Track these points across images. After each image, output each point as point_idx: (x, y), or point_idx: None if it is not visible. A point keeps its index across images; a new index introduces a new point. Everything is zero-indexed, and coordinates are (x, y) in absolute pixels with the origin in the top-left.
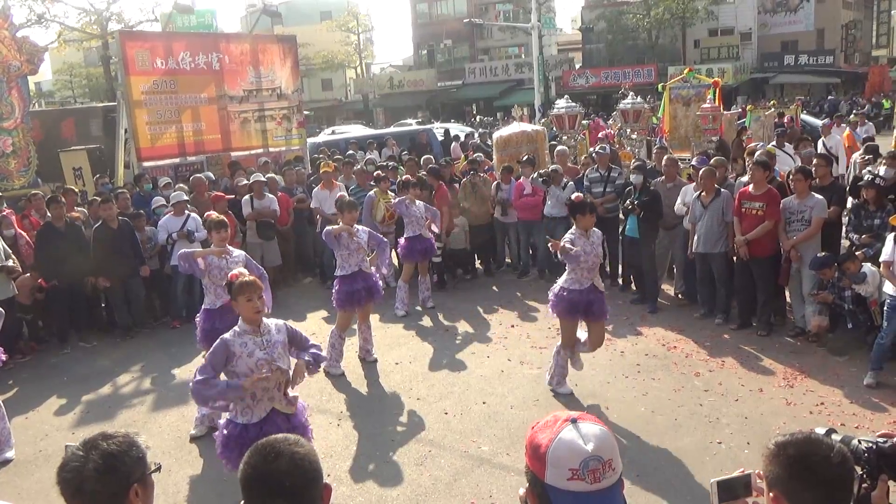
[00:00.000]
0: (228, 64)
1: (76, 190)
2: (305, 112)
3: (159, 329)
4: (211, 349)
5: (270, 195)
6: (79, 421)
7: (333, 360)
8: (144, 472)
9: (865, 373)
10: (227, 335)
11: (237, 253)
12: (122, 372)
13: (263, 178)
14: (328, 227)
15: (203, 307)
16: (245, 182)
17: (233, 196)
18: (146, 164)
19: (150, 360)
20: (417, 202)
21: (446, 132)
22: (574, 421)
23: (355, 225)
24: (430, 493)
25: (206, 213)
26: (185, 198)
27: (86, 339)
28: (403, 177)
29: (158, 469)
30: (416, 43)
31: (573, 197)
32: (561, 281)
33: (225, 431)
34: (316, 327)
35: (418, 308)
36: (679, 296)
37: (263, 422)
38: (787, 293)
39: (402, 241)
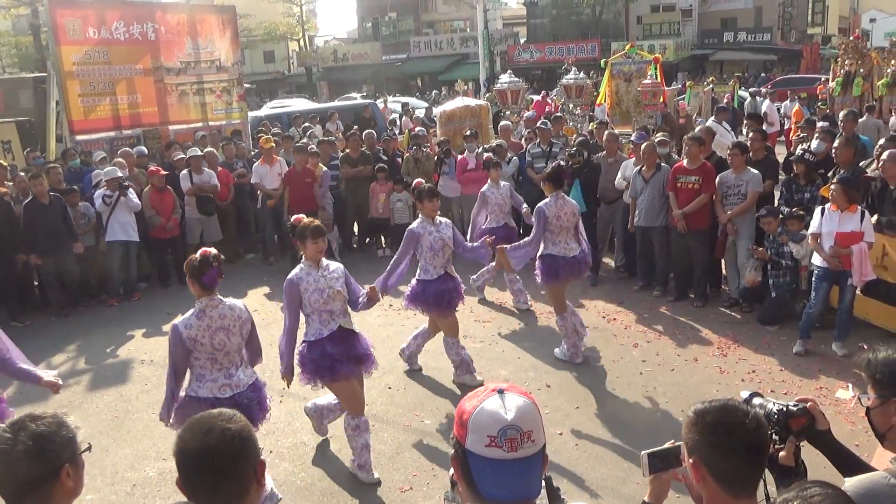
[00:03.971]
0: (165, 34)
1: (5, 164)
2: (247, 85)
3: (96, 307)
4: (287, 297)
5: (209, 170)
6: (11, 402)
7: (465, 372)
8: (75, 452)
9: (794, 341)
10: (293, 276)
11: (335, 267)
12: (56, 352)
13: (201, 153)
14: (412, 227)
15: (305, 340)
16: (181, 156)
17: (168, 172)
18: (79, 137)
19: (86, 339)
20: (502, 183)
21: (404, 106)
22: (501, 391)
23: (438, 217)
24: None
25: (294, 218)
26: (120, 174)
27: (18, 318)
28: (485, 156)
29: (89, 449)
30: (360, 15)
31: (415, 182)
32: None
33: (299, 352)
34: (258, 304)
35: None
36: (619, 269)
37: (332, 336)
38: (722, 265)
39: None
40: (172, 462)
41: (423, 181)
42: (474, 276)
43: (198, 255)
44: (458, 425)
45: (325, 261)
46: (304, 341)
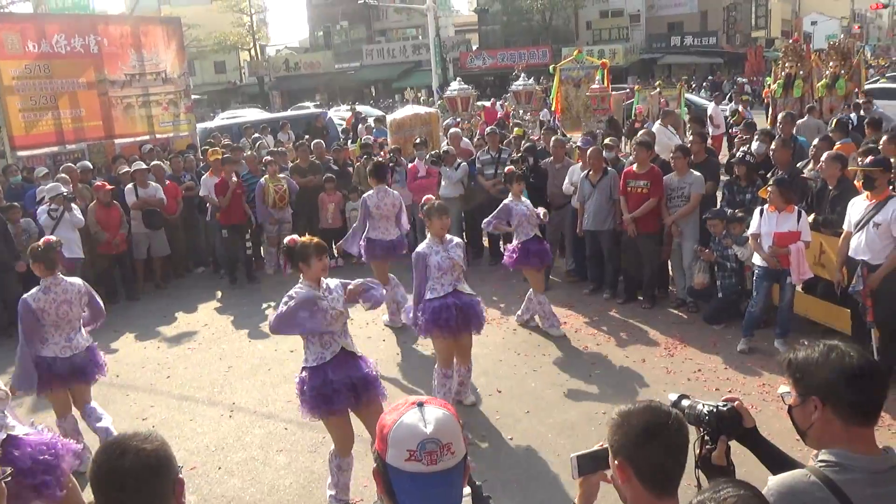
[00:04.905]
0: (108, 47)
1: None
2: (196, 96)
3: None
4: (301, 303)
5: (155, 184)
6: None
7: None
8: None
9: (739, 340)
10: (300, 291)
11: (334, 285)
12: (1, 373)
13: (145, 166)
14: (417, 250)
15: (305, 366)
16: (126, 170)
17: (114, 187)
18: (21, 153)
19: None
20: (524, 199)
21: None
22: (420, 405)
23: (447, 235)
24: (322, 480)
25: (288, 239)
26: (63, 190)
27: None
28: (506, 169)
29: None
30: (311, 24)
31: (424, 199)
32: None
33: (299, 379)
34: (208, 318)
35: None
36: (569, 273)
37: (334, 361)
38: (669, 267)
39: (510, 246)
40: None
41: (433, 198)
42: (518, 312)
43: (41, 242)
44: (378, 439)
45: (324, 280)
46: (304, 367)
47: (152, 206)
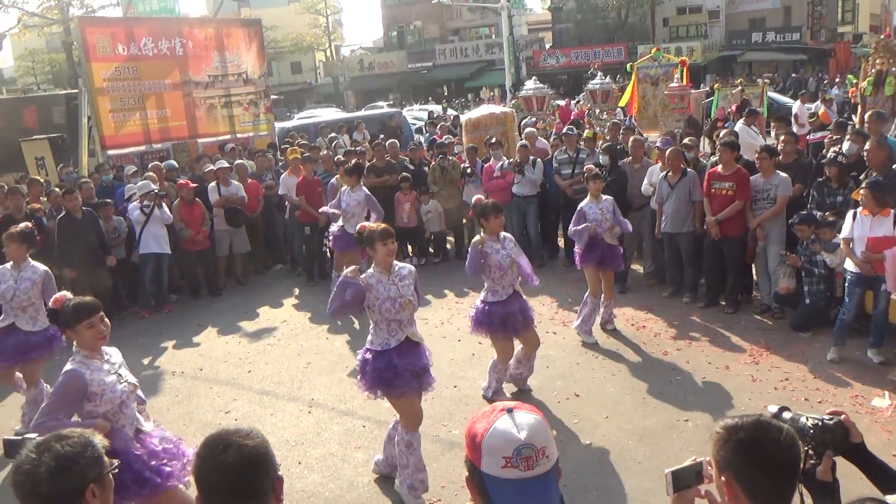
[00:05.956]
0: (192, 49)
1: (41, 180)
2: (274, 96)
3: (127, 319)
4: (348, 294)
5: (237, 182)
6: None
7: (493, 390)
8: (101, 471)
9: (828, 348)
10: (370, 280)
11: (406, 271)
12: None
13: (228, 165)
14: (473, 243)
15: (369, 348)
16: (211, 168)
17: (197, 185)
18: (111, 152)
19: None
20: (604, 197)
21: (430, 114)
22: (510, 410)
23: (502, 232)
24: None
25: (360, 226)
26: (154, 188)
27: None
28: (586, 167)
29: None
30: (385, 24)
31: (474, 199)
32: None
33: (362, 358)
34: (287, 315)
35: None
36: (648, 275)
37: (399, 347)
38: (753, 271)
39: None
40: None
41: (483, 198)
42: (576, 324)
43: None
44: (470, 448)
45: (396, 264)
46: (368, 349)
47: (234, 204)
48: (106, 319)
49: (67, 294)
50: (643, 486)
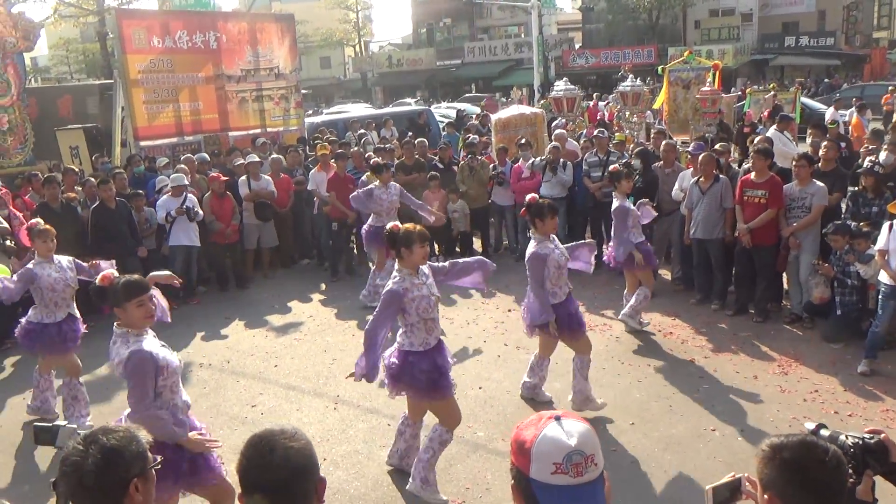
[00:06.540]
0: (226, 43)
1: (76, 170)
2: (303, 91)
3: None
4: (389, 301)
5: (267, 177)
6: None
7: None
8: (145, 466)
9: (859, 360)
10: (397, 288)
11: (428, 270)
12: None
13: (259, 159)
14: (535, 252)
15: (409, 350)
16: (241, 162)
17: (228, 178)
18: (143, 143)
19: None
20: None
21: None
22: (558, 418)
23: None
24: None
25: (391, 224)
26: (186, 181)
27: (83, 319)
28: (611, 167)
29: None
30: (415, 21)
31: (528, 199)
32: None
33: (396, 361)
34: (313, 310)
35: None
36: (675, 281)
37: (438, 346)
38: (784, 280)
39: (611, 247)
40: (232, 466)
41: (537, 197)
42: (625, 312)
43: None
44: (518, 455)
45: (421, 267)
46: (407, 351)
47: (263, 199)
48: (155, 298)
49: (114, 272)
50: (668, 495)
